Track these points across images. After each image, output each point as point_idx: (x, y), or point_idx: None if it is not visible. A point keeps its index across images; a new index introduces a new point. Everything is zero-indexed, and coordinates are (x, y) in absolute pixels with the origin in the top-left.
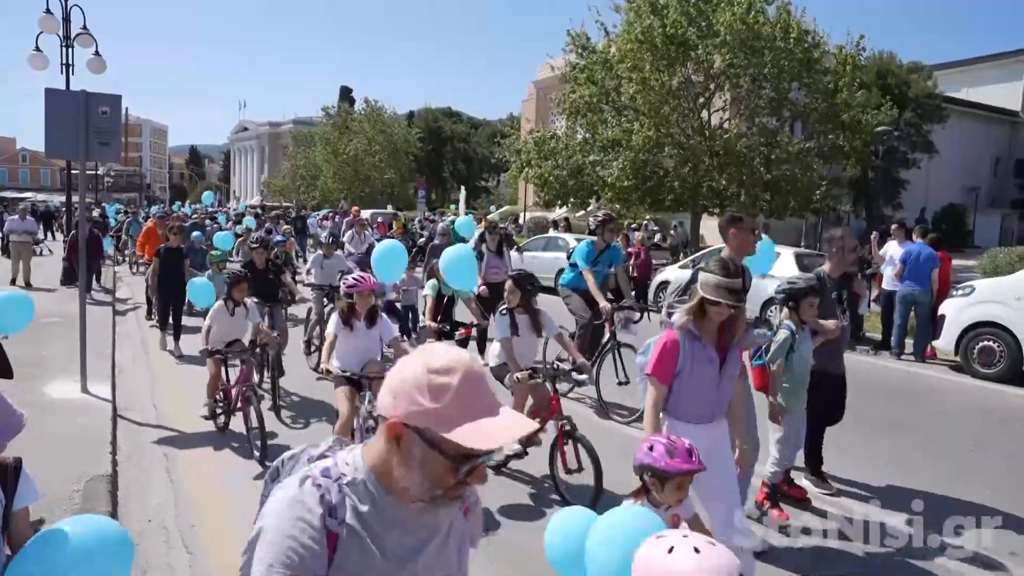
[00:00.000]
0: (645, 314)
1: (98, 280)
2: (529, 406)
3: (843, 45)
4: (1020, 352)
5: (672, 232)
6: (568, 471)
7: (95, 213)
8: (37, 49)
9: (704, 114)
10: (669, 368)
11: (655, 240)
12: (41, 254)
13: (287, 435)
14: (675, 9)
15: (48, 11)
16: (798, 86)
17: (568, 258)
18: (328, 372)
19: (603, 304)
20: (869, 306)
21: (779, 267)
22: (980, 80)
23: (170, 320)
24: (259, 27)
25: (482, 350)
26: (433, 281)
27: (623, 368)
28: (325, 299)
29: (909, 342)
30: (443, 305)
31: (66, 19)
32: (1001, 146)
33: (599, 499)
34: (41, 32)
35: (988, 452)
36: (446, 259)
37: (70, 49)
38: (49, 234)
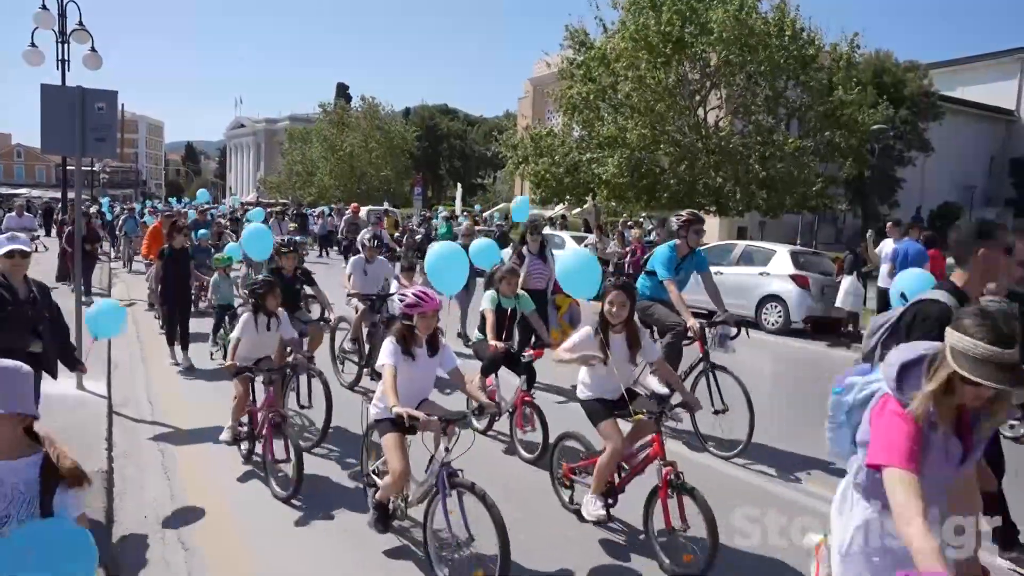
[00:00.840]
0: (742, 329)
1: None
2: (613, 451)
3: (837, 43)
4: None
5: (651, 228)
6: (671, 530)
7: (92, 209)
8: (33, 45)
9: (700, 112)
10: (915, 454)
11: (650, 237)
12: (37, 250)
13: (316, 465)
14: (670, 7)
15: (44, 7)
16: (794, 84)
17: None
18: (412, 418)
19: (691, 321)
20: (864, 304)
21: (774, 265)
22: (975, 79)
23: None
24: (256, 24)
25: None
26: (492, 293)
27: (719, 394)
28: (376, 315)
29: None
30: (506, 321)
31: (62, 15)
32: (996, 145)
33: (712, 565)
34: (37, 28)
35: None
36: (565, 265)
37: (66, 45)
38: (51, 230)
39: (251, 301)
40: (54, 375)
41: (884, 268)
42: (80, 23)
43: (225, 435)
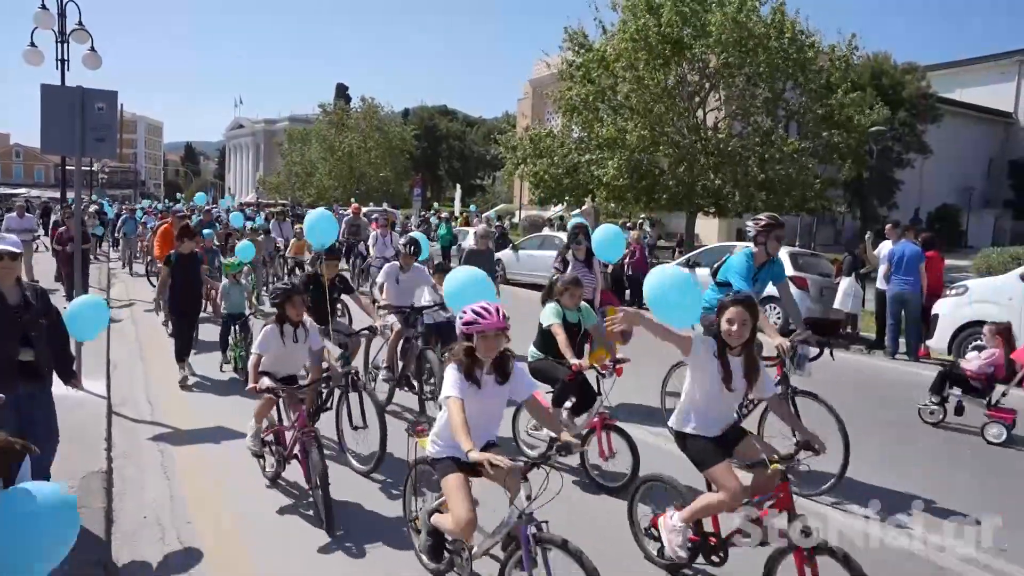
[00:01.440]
0: (824, 349)
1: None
2: (731, 500)
3: (836, 44)
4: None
5: (648, 230)
6: None
7: (91, 209)
8: (32, 44)
9: (699, 113)
10: None
11: (647, 239)
12: (37, 250)
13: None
14: (670, 9)
15: (43, 7)
16: (792, 85)
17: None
18: (493, 465)
19: (778, 340)
20: (863, 305)
21: None
22: (974, 81)
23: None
24: (255, 24)
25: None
26: (555, 306)
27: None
28: (414, 333)
29: (903, 341)
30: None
31: (61, 15)
32: (994, 147)
33: None
34: (36, 27)
35: (983, 451)
36: (659, 282)
37: (65, 45)
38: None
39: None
40: (47, 385)
41: (881, 270)
42: (80, 23)
43: (250, 441)
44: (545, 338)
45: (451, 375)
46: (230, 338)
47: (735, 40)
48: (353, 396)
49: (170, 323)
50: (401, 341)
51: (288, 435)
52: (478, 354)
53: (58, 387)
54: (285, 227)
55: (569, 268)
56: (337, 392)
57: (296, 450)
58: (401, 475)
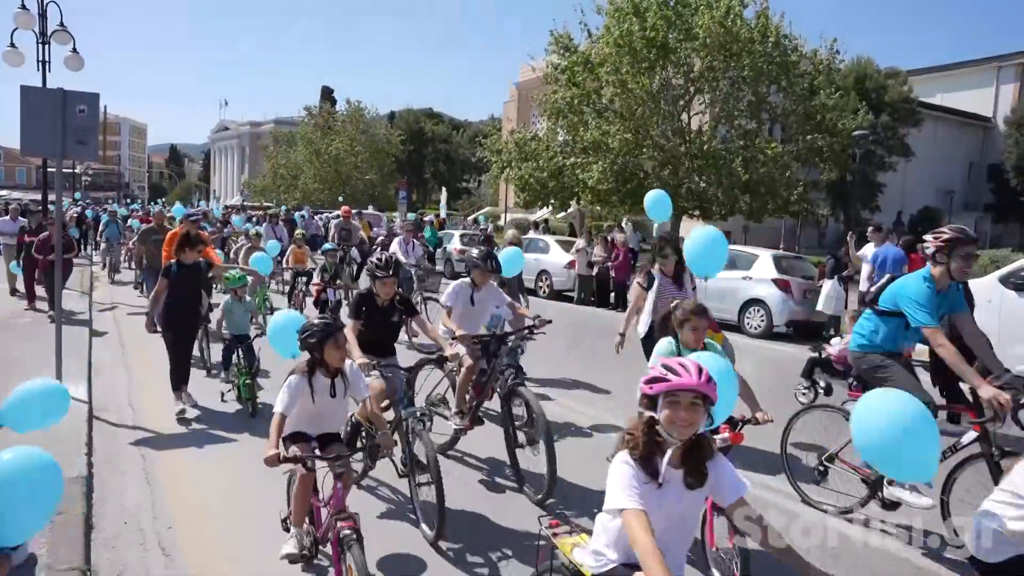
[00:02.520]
0: None
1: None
2: None
3: (818, 48)
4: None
5: (630, 233)
6: None
7: (71, 211)
8: (12, 45)
9: (684, 117)
10: None
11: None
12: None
13: None
14: (655, 13)
15: (23, 7)
16: (776, 89)
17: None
18: None
19: (986, 391)
20: (846, 307)
21: (757, 269)
22: (955, 86)
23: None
24: (241, 27)
25: None
26: (669, 342)
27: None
28: (499, 366)
29: None
30: None
31: (42, 15)
32: (974, 151)
33: None
34: (16, 28)
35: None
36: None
37: (46, 46)
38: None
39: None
40: None
41: (864, 272)
42: (61, 24)
43: (287, 547)
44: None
45: (623, 474)
46: (233, 363)
47: (720, 44)
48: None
49: (168, 354)
50: (474, 377)
51: (322, 512)
52: (663, 431)
53: None
54: (279, 230)
55: (655, 286)
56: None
57: (330, 536)
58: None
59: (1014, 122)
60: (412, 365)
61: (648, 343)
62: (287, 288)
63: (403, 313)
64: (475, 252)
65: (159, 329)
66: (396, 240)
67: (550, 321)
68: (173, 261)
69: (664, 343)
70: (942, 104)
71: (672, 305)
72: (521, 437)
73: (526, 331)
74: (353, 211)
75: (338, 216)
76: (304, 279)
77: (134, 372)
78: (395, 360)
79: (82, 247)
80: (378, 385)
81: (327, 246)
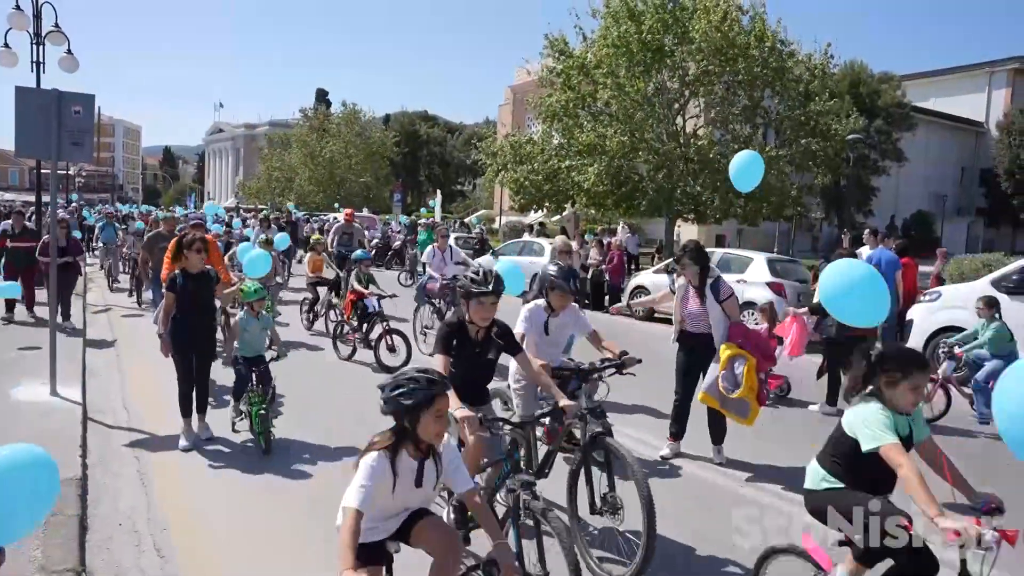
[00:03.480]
0: None
1: (29, 308)
2: None
3: (812, 53)
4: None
5: (629, 235)
6: None
7: (70, 208)
8: (6, 46)
9: (679, 120)
10: None
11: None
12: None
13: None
14: (652, 16)
15: (18, 7)
16: (771, 94)
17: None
18: None
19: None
20: None
21: (751, 272)
22: (947, 91)
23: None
24: (236, 28)
25: None
26: (884, 412)
27: None
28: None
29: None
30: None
31: (36, 16)
32: (967, 156)
33: None
34: (10, 29)
35: (961, 451)
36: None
37: (41, 47)
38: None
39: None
40: None
41: None
42: (56, 25)
43: None
44: (853, 459)
45: None
46: (247, 390)
47: (716, 48)
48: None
49: (177, 379)
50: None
51: None
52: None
53: (31, 393)
54: (272, 233)
55: (678, 293)
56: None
57: None
58: None
59: (1006, 127)
60: (524, 419)
61: (680, 355)
62: (305, 302)
63: (502, 349)
64: (552, 269)
65: (172, 355)
66: (427, 251)
67: (639, 360)
68: (177, 271)
69: (874, 409)
70: (935, 109)
71: (874, 355)
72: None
73: (612, 368)
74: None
75: (337, 219)
76: (319, 289)
77: (128, 374)
78: (491, 410)
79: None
80: (477, 445)
81: (360, 254)
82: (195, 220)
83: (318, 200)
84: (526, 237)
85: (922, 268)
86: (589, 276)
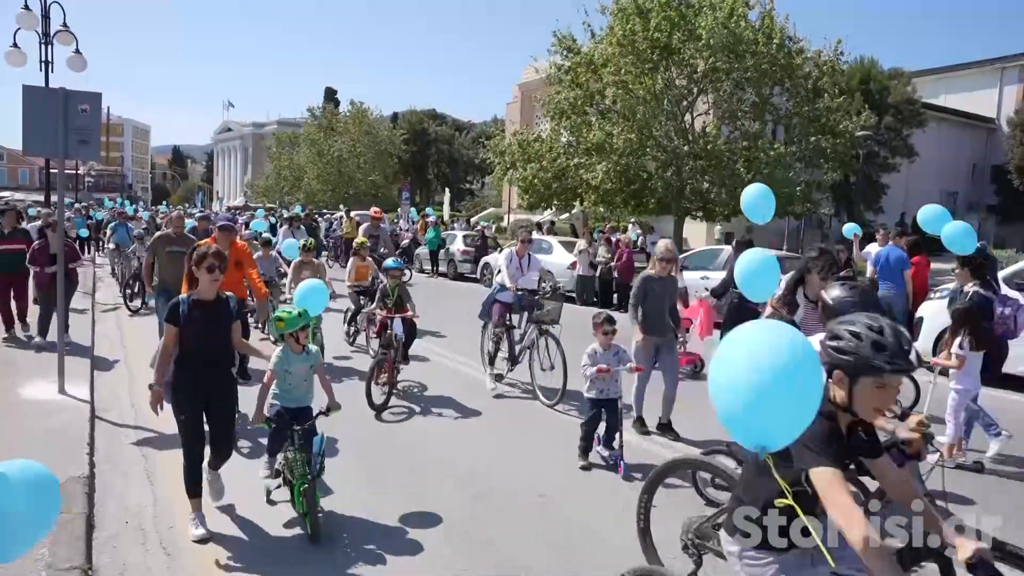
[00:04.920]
0: None
1: (22, 320)
2: None
3: (821, 50)
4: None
5: (639, 232)
6: None
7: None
8: (15, 45)
9: (687, 118)
10: None
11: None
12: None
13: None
14: (658, 13)
15: (26, 7)
16: (779, 90)
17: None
18: None
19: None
20: None
21: None
22: (958, 87)
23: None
24: (245, 28)
25: None
26: None
27: None
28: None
29: None
30: None
31: (45, 16)
32: (978, 152)
33: None
34: (19, 28)
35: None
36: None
37: (49, 47)
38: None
39: None
40: None
41: (868, 272)
42: (64, 25)
43: None
44: None
45: None
46: (287, 452)
47: (724, 45)
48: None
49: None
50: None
51: None
52: None
53: (39, 391)
54: (300, 236)
55: (799, 311)
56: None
57: None
58: None
59: (1017, 123)
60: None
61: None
62: (349, 311)
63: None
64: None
65: (169, 406)
66: (504, 254)
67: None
68: (183, 297)
69: None
70: (946, 105)
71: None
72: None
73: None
74: (346, 211)
75: (338, 218)
76: (366, 299)
77: (136, 372)
78: None
79: (87, 249)
80: None
81: (389, 263)
82: (223, 221)
83: (326, 199)
84: (534, 235)
85: (934, 265)
86: (598, 274)
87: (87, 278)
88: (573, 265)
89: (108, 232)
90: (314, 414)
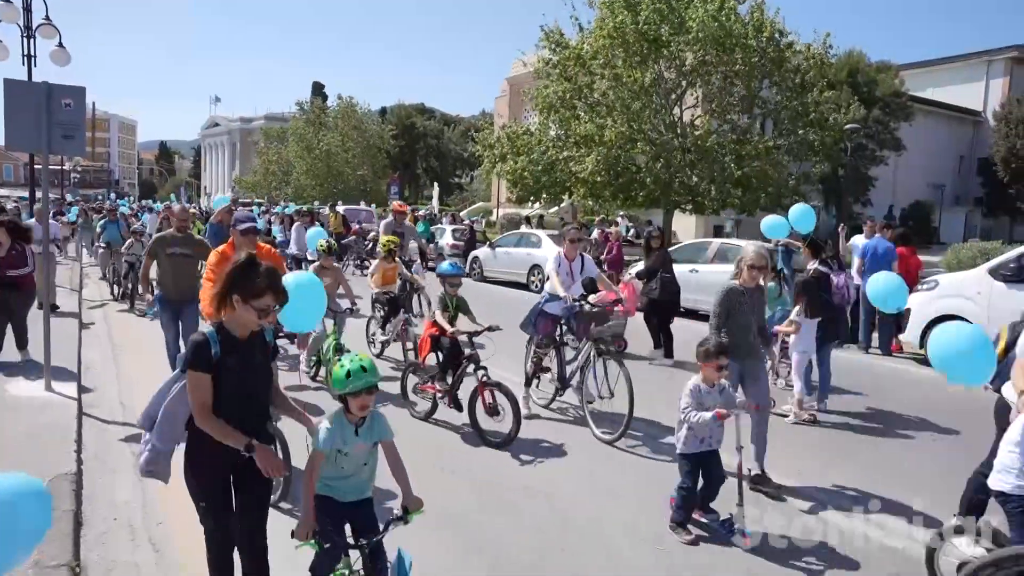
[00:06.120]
0: None
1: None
2: None
3: (811, 43)
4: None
5: (630, 224)
6: None
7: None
8: None
9: (676, 111)
10: None
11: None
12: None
13: None
14: (648, 6)
15: (7, 0)
16: (768, 84)
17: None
18: None
19: None
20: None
21: None
22: (945, 80)
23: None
24: (232, 23)
25: None
26: None
27: None
28: None
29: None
30: None
31: (27, 9)
32: (964, 145)
33: None
34: (0, 21)
35: (953, 443)
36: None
37: (32, 40)
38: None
39: None
40: None
41: (855, 265)
42: (47, 18)
43: None
44: None
45: None
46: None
47: (713, 38)
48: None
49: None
50: None
51: None
52: None
53: (26, 388)
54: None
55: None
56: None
57: None
58: None
59: (1003, 116)
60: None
61: None
62: (375, 320)
63: None
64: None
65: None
66: (553, 257)
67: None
68: (209, 332)
69: None
70: (933, 98)
71: None
72: None
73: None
74: (331, 205)
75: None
76: (393, 309)
77: (124, 369)
78: None
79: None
80: None
81: (446, 267)
82: (245, 223)
83: (315, 193)
84: (523, 229)
85: (921, 257)
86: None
87: (74, 275)
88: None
89: (98, 231)
90: (387, 520)
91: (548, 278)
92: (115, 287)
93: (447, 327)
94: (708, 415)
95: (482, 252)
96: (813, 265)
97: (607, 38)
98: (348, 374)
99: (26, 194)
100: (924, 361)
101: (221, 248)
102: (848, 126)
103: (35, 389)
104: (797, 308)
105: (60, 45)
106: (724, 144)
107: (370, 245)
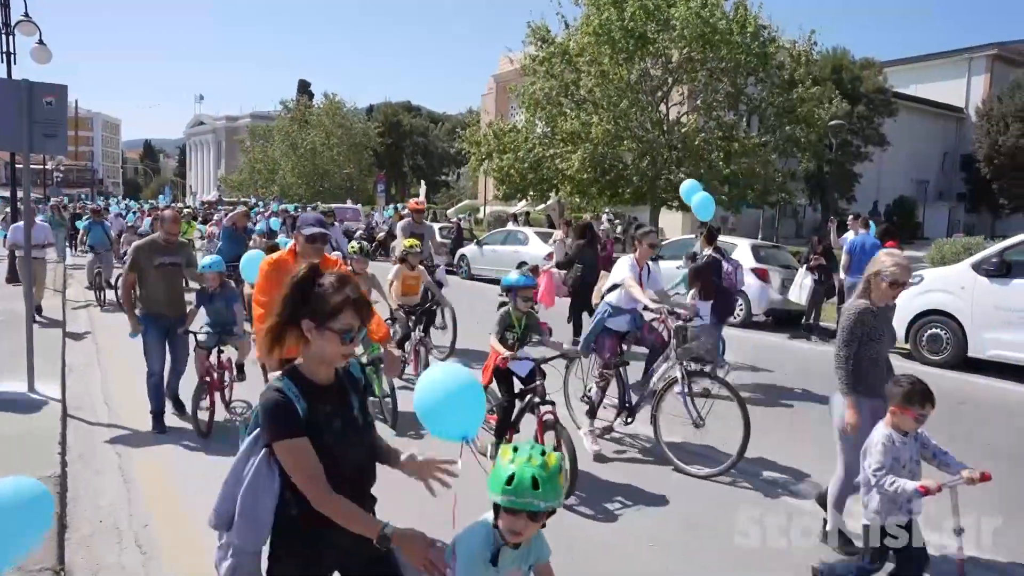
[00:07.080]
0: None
1: None
2: None
3: (796, 40)
4: (965, 339)
5: (615, 221)
6: None
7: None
8: None
9: (662, 108)
10: None
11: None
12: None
13: None
14: (633, 3)
15: None
16: (754, 80)
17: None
18: None
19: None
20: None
21: (735, 258)
22: (928, 77)
23: None
24: (216, 20)
25: None
26: None
27: None
28: None
29: None
30: None
31: (4, 5)
32: (948, 141)
33: None
34: None
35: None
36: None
37: (11, 37)
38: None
39: None
40: None
41: (843, 261)
42: (26, 14)
43: None
44: None
45: None
46: None
47: (698, 34)
48: None
49: None
50: None
51: None
52: None
53: (9, 389)
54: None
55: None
56: None
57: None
58: None
59: (985, 113)
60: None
61: None
62: (393, 337)
63: None
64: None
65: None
66: (628, 264)
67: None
68: (286, 386)
69: None
70: (916, 95)
71: None
72: None
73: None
74: (313, 206)
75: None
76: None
77: (109, 370)
78: None
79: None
80: None
81: (513, 279)
82: (312, 227)
83: (301, 192)
84: (510, 226)
85: (906, 252)
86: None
87: (57, 275)
88: (549, 256)
89: (82, 232)
90: None
91: (617, 287)
92: (100, 292)
93: (502, 352)
94: (911, 486)
95: (469, 250)
96: (707, 252)
97: (593, 35)
98: (511, 479)
99: (7, 194)
100: (907, 355)
101: (275, 257)
102: (832, 122)
103: (17, 390)
104: (692, 291)
105: (40, 42)
106: (710, 141)
107: (356, 245)
